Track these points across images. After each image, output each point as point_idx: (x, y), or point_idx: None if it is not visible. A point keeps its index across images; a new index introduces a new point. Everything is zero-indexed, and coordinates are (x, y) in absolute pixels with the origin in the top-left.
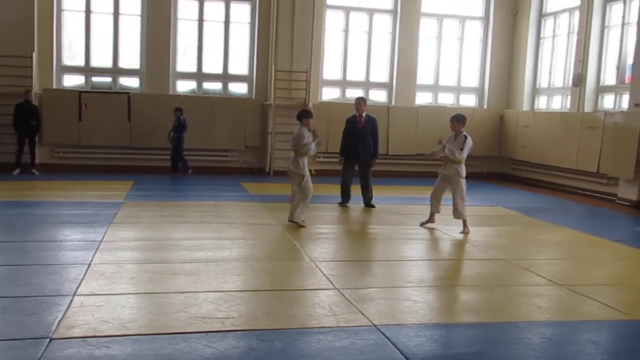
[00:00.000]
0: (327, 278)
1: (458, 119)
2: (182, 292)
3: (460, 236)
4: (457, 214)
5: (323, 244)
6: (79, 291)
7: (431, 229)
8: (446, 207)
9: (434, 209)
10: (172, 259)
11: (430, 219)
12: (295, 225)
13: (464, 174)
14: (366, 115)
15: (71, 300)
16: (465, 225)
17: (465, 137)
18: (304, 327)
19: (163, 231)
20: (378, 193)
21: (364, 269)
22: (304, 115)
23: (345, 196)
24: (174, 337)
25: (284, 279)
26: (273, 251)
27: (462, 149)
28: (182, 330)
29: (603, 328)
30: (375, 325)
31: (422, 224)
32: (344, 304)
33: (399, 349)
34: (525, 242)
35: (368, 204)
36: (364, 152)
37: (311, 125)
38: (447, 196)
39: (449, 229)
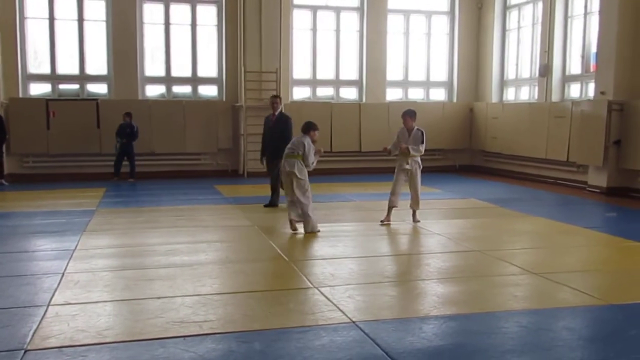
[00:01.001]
0: (305, 277)
1: (410, 114)
2: (158, 298)
3: (435, 229)
4: (416, 204)
5: (299, 244)
6: (53, 301)
7: (406, 223)
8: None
9: (394, 204)
10: (147, 265)
11: (389, 215)
12: (312, 235)
13: (421, 165)
14: (279, 114)
15: (45, 311)
16: (415, 214)
17: (422, 132)
18: (283, 327)
19: (137, 237)
20: (351, 190)
21: (341, 266)
22: (312, 127)
23: (275, 194)
24: (151, 343)
25: (261, 280)
26: (249, 252)
27: (422, 143)
28: (159, 336)
29: (578, 314)
30: (354, 322)
31: (382, 223)
32: (322, 302)
33: (378, 345)
34: (499, 233)
35: (273, 204)
36: (273, 149)
37: (316, 138)
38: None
39: (424, 223)
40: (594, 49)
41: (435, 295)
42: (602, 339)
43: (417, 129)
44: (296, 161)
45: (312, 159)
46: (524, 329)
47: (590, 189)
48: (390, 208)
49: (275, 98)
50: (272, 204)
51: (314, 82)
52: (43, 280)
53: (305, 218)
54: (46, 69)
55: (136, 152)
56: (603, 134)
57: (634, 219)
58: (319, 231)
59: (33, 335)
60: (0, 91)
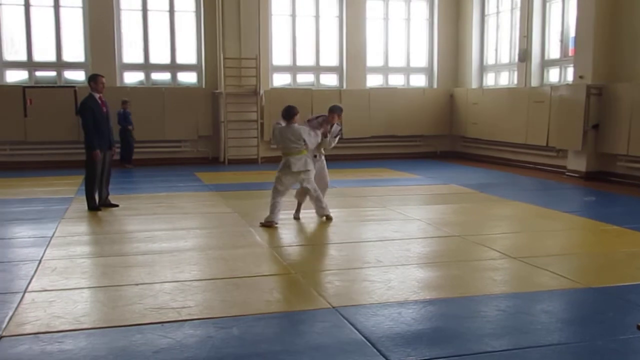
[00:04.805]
0: (285, 263)
1: (337, 111)
2: (136, 284)
3: (415, 215)
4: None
5: (279, 230)
6: (30, 288)
7: (384, 210)
8: (396, 187)
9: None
10: (125, 252)
11: (300, 210)
12: (325, 220)
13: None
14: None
15: (22, 297)
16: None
17: (340, 128)
18: (261, 312)
19: (116, 224)
20: (333, 176)
21: (321, 252)
22: (296, 112)
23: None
24: (129, 329)
25: (240, 266)
26: (229, 239)
27: (335, 137)
28: (137, 322)
29: (556, 297)
30: (333, 307)
31: (295, 217)
32: (301, 288)
33: (357, 329)
34: (479, 218)
35: (107, 202)
36: (111, 140)
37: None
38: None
39: (404, 209)
40: (572, 33)
41: (414, 280)
42: (580, 322)
43: (337, 124)
44: (305, 157)
45: (331, 141)
46: (503, 312)
47: (569, 174)
48: (299, 204)
49: (101, 77)
50: (104, 203)
51: (294, 69)
52: (20, 267)
53: (323, 203)
54: (22, 56)
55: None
56: (582, 119)
57: (612, 203)
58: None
59: (9, 322)
60: None
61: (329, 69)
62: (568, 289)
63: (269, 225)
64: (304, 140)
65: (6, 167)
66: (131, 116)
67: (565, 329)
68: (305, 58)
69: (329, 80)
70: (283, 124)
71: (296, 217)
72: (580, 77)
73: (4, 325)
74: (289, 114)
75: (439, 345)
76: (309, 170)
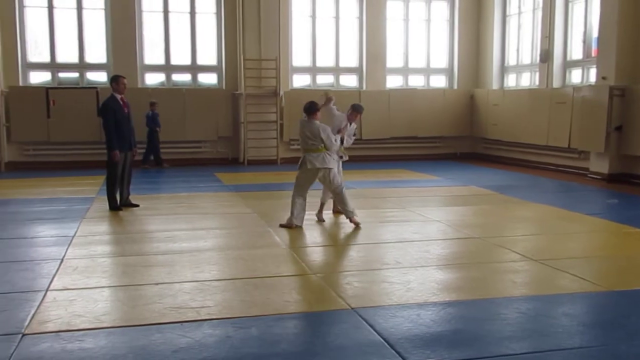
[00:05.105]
0: (304, 264)
1: (362, 110)
2: (156, 284)
3: (435, 216)
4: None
5: (298, 231)
6: (51, 286)
7: (403, 211)
8: (416, 189)
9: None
10: (145, 251)
11: (322, 210)
12: (354, 225)
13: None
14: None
15: (44, 296)
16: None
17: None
18: (280, 313)
19: (136, 224)
20: (352, 177)
21: (340, 253)
22: (318, 108)
23: (117, 199)
24: (148, 328)
25: (260, 267)
26: (248, 239)
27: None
28: (156, 322)
29: (577, 300)
30: (352, 308)
31: (318, 217)
32: (320, 289)
33: (376, 331)
34: (499, 220)
35: (127, 202)
36: (133, 140)
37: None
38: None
39: (423, 211)
40: (595, 33)
41: (434, 281)
42: (601, 325)
43: (354, 123)
44: (323, 154)
45: (338, 139)
46: (523, 315)
47: (591, 176)
48: (322, 203)
49: (123, 78)
50: (125, 203)
51: (313, 70)
52: (42, 266)
53: (348, 206)
54: (46, 58)
55: (138, 140)
56: (604, 120)
57: (635, 205)
58: (359, 223)
59: (31, 320)
60: (0, 80)
61: (348, 70)
62: (590, 292)
63: (288, 226)
64: (322, 139)
65: (29, 167)
66: (159, 117)
67: (586, 332)
68: (325, 59)
69: (349, 81)
70: (305, 118)
71: (319, 218)
72: (603, 78)
73: (26, 324)
74: (310, 109)
75: (458, 348)
76: (328, 168)
